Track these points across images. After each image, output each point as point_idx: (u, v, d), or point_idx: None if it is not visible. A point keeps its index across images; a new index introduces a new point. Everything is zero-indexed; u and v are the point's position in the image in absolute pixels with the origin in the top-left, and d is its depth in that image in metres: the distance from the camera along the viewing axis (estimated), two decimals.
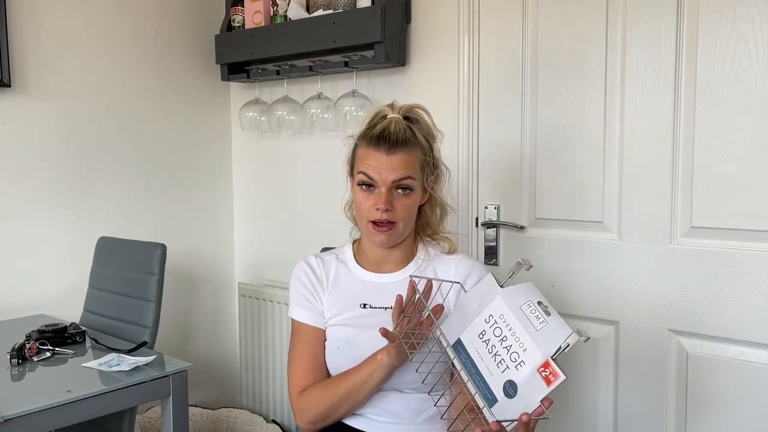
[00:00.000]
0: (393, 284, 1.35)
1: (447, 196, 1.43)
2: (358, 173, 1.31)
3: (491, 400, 1.07)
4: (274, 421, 2.40)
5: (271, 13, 2.25)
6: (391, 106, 1.35)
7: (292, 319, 1.40)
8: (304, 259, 1.43)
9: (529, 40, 1.80)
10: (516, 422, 1.04)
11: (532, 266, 1.16)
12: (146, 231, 2.36)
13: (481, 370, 1.10)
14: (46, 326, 1.75)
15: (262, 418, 2.40)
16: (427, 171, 1.34)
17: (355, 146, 1.35)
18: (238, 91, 2.58)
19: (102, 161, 2.27)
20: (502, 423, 1.03)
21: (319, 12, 2.11)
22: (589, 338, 1.06)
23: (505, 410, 1.05)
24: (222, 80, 2.44)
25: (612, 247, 1.69)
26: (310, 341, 1.36)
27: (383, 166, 1.28)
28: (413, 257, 1.40)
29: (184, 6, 2.45)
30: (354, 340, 1.32)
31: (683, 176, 1.57)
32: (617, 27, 1.65)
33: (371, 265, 1.39)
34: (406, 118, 1.33)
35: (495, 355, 1.08)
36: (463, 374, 1.11)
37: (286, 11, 2.20)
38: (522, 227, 1.85)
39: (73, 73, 2.18)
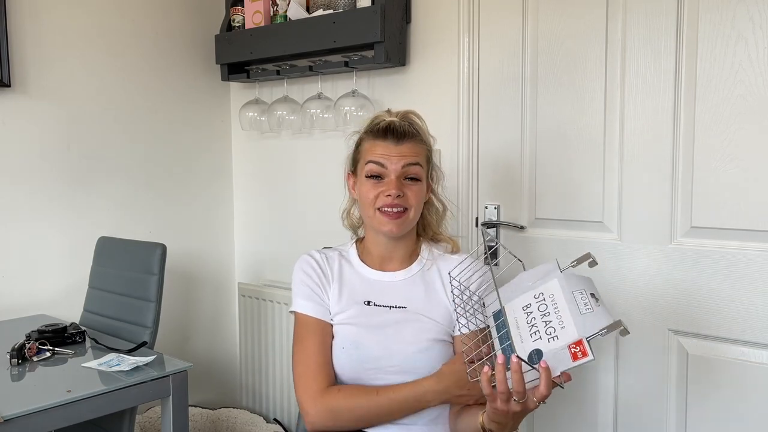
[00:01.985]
0: (397, 283, 1.35)
1: (444, 198, 1.44)
2: (367, 163, 1.31)
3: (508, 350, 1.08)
4: (275, 421, 2.40)
5: (271, 13, 2.25)
6: (388, 111, 1.38)
7: (297, 314, 1.35)
8: (308, 252, 1.42)
9: (529, 40, 1.80)
10: (535, 381, 1.03)
11: (597, 264, 1.18)
12: (146, 231, 2.36)
13: (513, 337, 1.09)
14: (46, 326, 1.75)
15: (262, 418, 2.40)
16: (431, 166, 1.37)
17: (359, 142, 1.36)
18: (238, 91, 2.58)
19: (102, 161, 2.27)
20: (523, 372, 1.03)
21: (319, 12, 2.11)
22: (628, 333, 1.06)
23: (525, 374, 1.05)
24: (222, 80, 2.44)
25: (612, 247, 1.69)
26: (320, 336, 1.32)
27: (393, 153, 1.29)
28: (417, 257, 1.40)
29: (184, 6, 2.45)
30: (359, 340, 1.31)
31: (683, 176, 1.57)
32: (617, 27, 1.65)
33: (375, 263, 1.39)
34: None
35: (532, 326, 1.08)
36: (496, 343, 1.11)
37: (286, 11, 2.20)
38: (522, 227, 1.85)
39: (73, 73, 2.19)
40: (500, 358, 1.04)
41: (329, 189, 2.24)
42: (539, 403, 1.04)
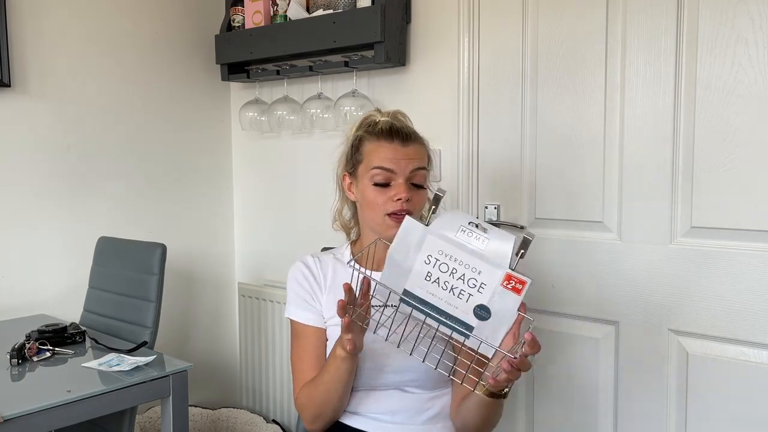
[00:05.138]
0: None
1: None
2: (374, 168, 1.28)
3: (468, 328, 1.05)
4: (274, 421, 2.40)
5: (271, 13, 2.25)
6: (378, 111, 1.38)
7: (291, 320, 1.39)
8: (301, 258, 1.42)
9: (529, 40, 1.80)
10: (506, 335, 1.04)
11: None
12: (146, 231, 2.36)
13: (442, 308, 1.06)
14: (46, 326, 1.75)
15: (262, 418, 2.40)
16: (429, 167, 1.36)
17: (359, 143, 1.33)
18: (238, 91, 2.58)
19: (102, 161, 2.27)
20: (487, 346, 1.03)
21: (319, 12, 2.11)
22: (534, 236, 1.06)
23: (485, 332, 1.04)
24: (222, 80, 2.44)
25: (612, 247, 1.69)
26: (310, 342, 1.35)
27: (401, 156, 1.28)
28: None
29: (184, 6, 2.45)
30: None
31: (683, 176, 1.57)
32: (617, 27, 1.65)
33: (370, 264, 1.39)
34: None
35: (451, 289, 1.05)
36: (430, 321, 1.07)
37: (286, 11, 2.20)
38: (522, 227, 1.85)
39: (73, 73, 2.19)
40: (528, 337, 1.01)
41: (329, 189, 2.23)
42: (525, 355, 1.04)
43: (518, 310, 1.03)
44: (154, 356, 1.63)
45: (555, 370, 1.81)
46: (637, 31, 1.62)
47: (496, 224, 1.89)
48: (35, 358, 1.64)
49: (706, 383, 1.57)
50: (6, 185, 2.06)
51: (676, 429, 1.62)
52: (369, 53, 2.04)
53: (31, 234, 2.12)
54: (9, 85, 2.02)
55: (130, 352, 1.68)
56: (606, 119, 1.68)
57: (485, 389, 1.15)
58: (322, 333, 1.36)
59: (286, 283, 1.41)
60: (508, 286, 1.02)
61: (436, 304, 1.06)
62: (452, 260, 1.05)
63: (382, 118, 1.34)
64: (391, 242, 1.17)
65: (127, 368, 1.56)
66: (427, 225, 1.09)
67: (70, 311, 2.11)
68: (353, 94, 2.11)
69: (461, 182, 1.94)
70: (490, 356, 1.08)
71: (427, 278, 1.06)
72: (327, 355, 1.34)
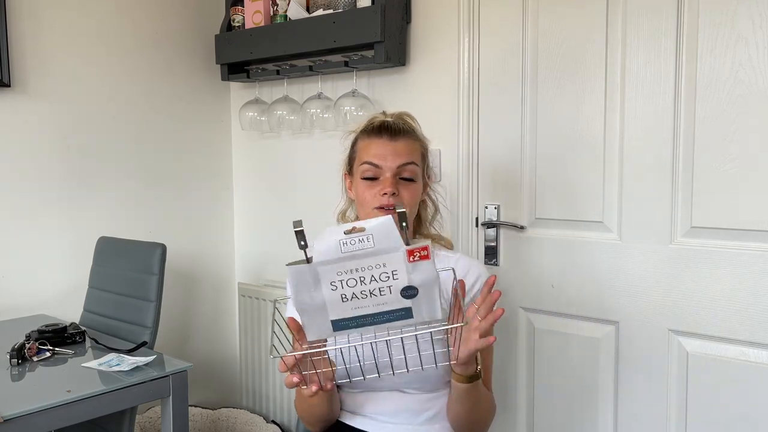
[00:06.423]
0: None
1: (438, 198, 1.44)
2: (362, 164, 1.31)
3: (407, 314, 1.07)
4: (273, 422, 2.40)
5: (271, 13, 2.25)
6: (384, 113, 1.38)
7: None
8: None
9: (529, 40, 1.80)
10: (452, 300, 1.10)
11: (302, 228, 1.06)
12: (146, 231, 2.36)
13: (375, 311, 1.07)
14: (46, 326, 1.75)
15: (261, 418, 2.40)
16: (426, 164, 1.37)
17: (355, 142, 1.36)
18: (238, 91, 2.58)
19: (102, 161, 2.27)
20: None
21: (319, 12, 2.11)
22: (402, 205, 1.08)
23: (423, 306, 1.06)
24: (222, 80, 2.44)
25: (612, 247, 1.69)
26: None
27: (388, 152, 1.29)
28: None
29: (184, 6, 2.45)
30: (353, 340, 1.31)
31: (683, 176, 1.57)
32: (617, 27, 1.65)
33: None
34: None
35: (370, 293, 1.05)
36: (376, 332, 1.09)
37: (286, 11, 2.20)
38: (522, 227, 1.85)
39: (73, 73, 2.19)
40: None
41: (329, 188, 2.23)
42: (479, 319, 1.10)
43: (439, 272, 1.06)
44: (154, 356, 1.63)
45: (555, 370, 1.81)
46: (637, 31, 1.62)
47: (496, 224, 1.89)
48: (35, 358, 1.64)
49: (706, 383, 1.57)
50: (6, 185, 2.06)
51: (676, 429, 1.62)
52: (369, 53, 2.04)
53: (31, 234, 2.12)
54: (9, 85, 2.02)
55: (130, 352, 1.68)
56: (606, 119, 1.68)
57: (459, 376, 1.19)
58: None
59: (287, 283, 1.41)
60: (415, 258, 1.04)
61: (368, 313, 1.07)
62: (354, 272, 1.05)
63: (383, 118, 1.35)
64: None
65: (127, 368, 1.56)
66: (308, 262, 1.07)
67: (70, 311, 2.11)
68: (353, 94, 2.11)
69: (461, 182, 1.94)
70: (450, 324, 1.12)
71: (344, 300, 1.06)
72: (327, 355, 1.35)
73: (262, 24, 2.24)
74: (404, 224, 1.03)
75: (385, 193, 1.27)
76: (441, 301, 1.09)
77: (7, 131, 2.06)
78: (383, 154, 1.29)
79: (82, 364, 1.61)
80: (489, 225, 1.91)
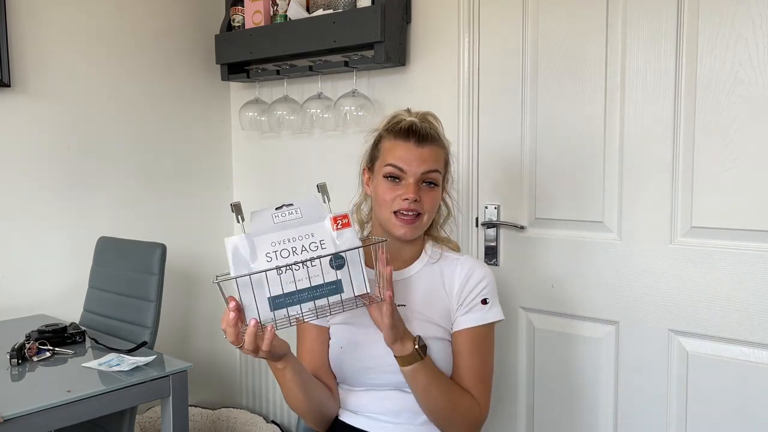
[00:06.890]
0: (398, 281, 1.35)
1: (450, 202, 1.44)
2: (386, 165, 1.30)
3: (338, 288, 1.14)
4: (273, 422, 2.40)
5: (271, 13, 2.25)
6: (408, 111, 1.37)
7: None
8: None
9: (529, 40, 1.80)
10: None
11: (241, 212, 1.17)
12: (146, 231, 2.36)
13: (309, 285, 1.13)
14: (46, 326, 1.75)
15: (261, 418, 2.40)
16: (447, 170, 1.37)
17: (379, 140, 1.35)
18: (238, 91, 2.58)
19: (102, 161, 2.27)
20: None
21: (319, 12, 2.11)
22: (324, 182, 1.20)
23: (352, 279, 1.14)
24: (222, 80, 2.44)
25: (612, 247, 1.69)
26: (311, 340, 1.36)
27: (413, 157, 1.29)
28: (419, 255, 1.40)
29: (184, 6, 2.45)
30: (356, 339, 1.32)
31: (683, 176, 1.57)
32: (617, 27, 1.65)
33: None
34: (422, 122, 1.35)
35: (303, 265, 1.12)
36: (316, 304, 1.14)
37: (286, 11, 2.20)
38: (522, 227, 1.85)
39: (73, 73, 2.19)
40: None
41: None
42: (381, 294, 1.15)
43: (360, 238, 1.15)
44: (154, 356, 1.63)
45: (555, 370, 1.81)
46: (637, 31, 1.62)
47: (496, 224, 1.89)
48: (35, 358, 1.64)
49: (706, 383, 1.57)
50: (6, 185, 2.06)
51: (676, 429, 1.62)
52: (369, 53, 2.04)
53: (31, 234, 2.12)
54: (9, 85, 2.02)
55: (130, 352, 1.68)
56: (606, 119, 1.68)
57: (397, 359, 1.22)
58: (324, 331, 1.36)
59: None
60: (339, 226, 1.15)
61: (303, 287, 1.13)
62: (287, 242, 1.15)
63: (410, 118, 1.33)
64: (403, 239, 1.31)
65: (127, 368, 1.56)
66: (245, 233, 1.16)
67: (70, 311, 2.11)
68: (353, 94, 2.11)
69: (461, 182, 1.93)
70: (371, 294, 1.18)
71: (279, 273, 1.12)
72: (328, 354, 1.35)
73: (262, 24, 2.24)
74: (325, 197, 1.16)
75: (406, 199, 1.27)
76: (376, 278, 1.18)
77: (7, 131, 2.06)
78: (409, 159, 1.28)
79: (82, 364, 1.61)
80: (489, 225, 1.91)
